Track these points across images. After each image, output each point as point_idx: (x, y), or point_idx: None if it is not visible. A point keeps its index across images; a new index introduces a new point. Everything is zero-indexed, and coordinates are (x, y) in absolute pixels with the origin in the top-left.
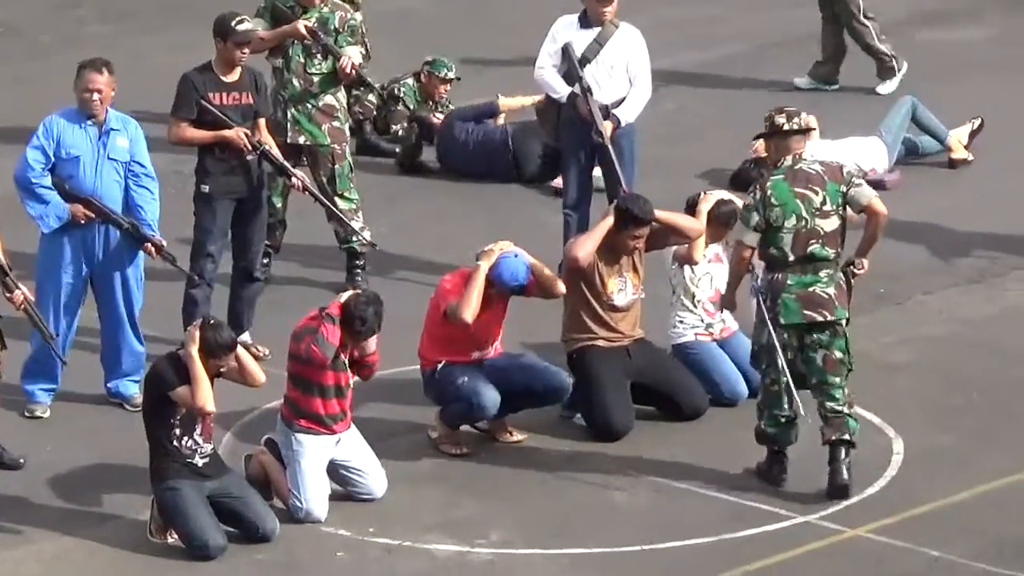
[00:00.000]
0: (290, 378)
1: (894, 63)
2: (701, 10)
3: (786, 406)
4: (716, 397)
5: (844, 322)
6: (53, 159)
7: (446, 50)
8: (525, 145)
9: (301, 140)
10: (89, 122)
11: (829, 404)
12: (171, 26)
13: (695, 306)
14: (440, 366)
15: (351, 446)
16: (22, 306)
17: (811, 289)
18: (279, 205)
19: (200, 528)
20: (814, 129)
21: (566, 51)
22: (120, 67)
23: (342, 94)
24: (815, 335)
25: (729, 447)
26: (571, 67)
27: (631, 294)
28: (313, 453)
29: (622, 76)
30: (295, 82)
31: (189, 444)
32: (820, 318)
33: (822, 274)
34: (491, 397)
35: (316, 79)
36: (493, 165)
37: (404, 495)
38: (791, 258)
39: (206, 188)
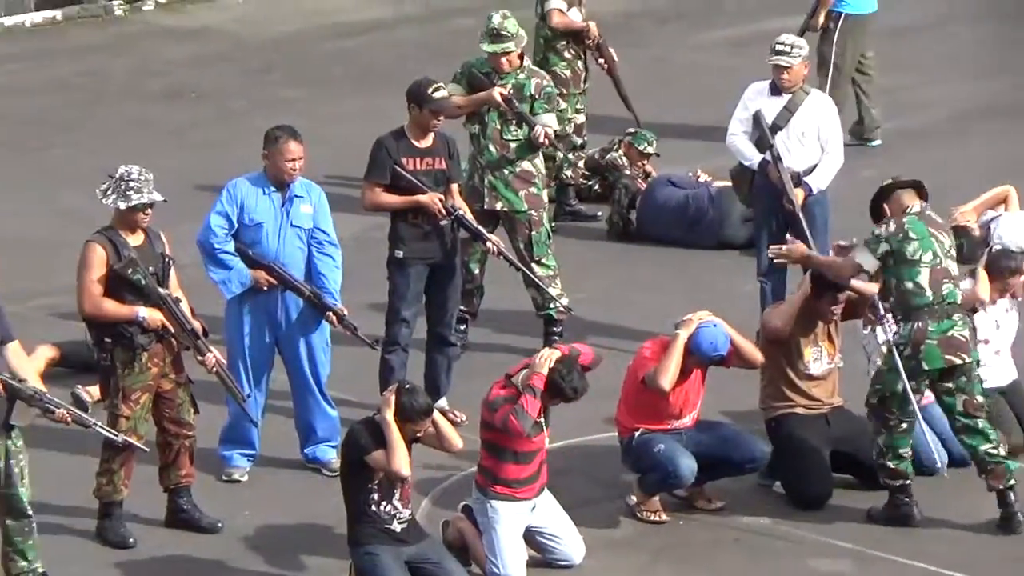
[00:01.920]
0: (484, 446)
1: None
2: (902, 78)
3: (909, 444)
4: (915, 466)
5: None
6: (236, 225)
7: (642, 113)
8: (729, 207)
9: (498, 206)
10: (273, 188)
11: (984, 447)
12: (362, 92)
13: None
14: (638, 434)
15: (547, 512)
16: (214, 369)
17: (949, 334)
18: (476, 271)
19: None
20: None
21: (757, 118)
22: (312, 133)
23: (539, 160)
24: (951, 380)
25: (928, 516)
26: (762, 134)
27: (827, 363)
28: (509, 520)
29: (813, 143)
30: (491, 148)
31: (388, 509)
32: (959, 361)
33: (956, 317)
34: (688, 466)
35: (512, 145)
36: (694, 227)
37: (602, 561)
38: (928, 294)
39: (400, 253)
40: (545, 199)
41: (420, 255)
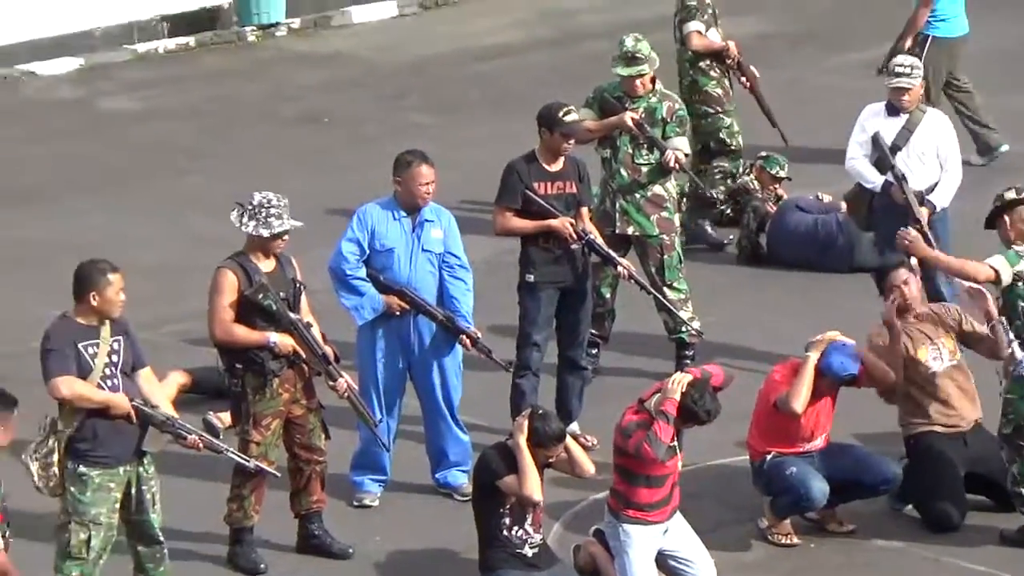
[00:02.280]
0: (617, 471)
1: None
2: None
3: None
4: None
5: None
6: (368, 251)
7: (775, 135)
8: (858, 237)
9: (630, 231)
10: (403, 213)
11: None
12: (494, 117)
13: None
14: (769, 457)
15: (679, 535)
16: (345, 394)
17: None
18: (608, 295)
19: None
20: None
21: (876, 140)
22: (443, 158)
23: (671, 184)
24: None
25: None
26: (882, 155)
27: (948, 360)
28: (641, 543)
29: (933, 162)
30: (623, 173)
31: (519, 534)
32: None
33: None
34: (820, 488)
35: (644, 169)
36: (825, 253)
37: None
38: None
39: (531, 277)
40: (677, 223)
41: (551, 279)
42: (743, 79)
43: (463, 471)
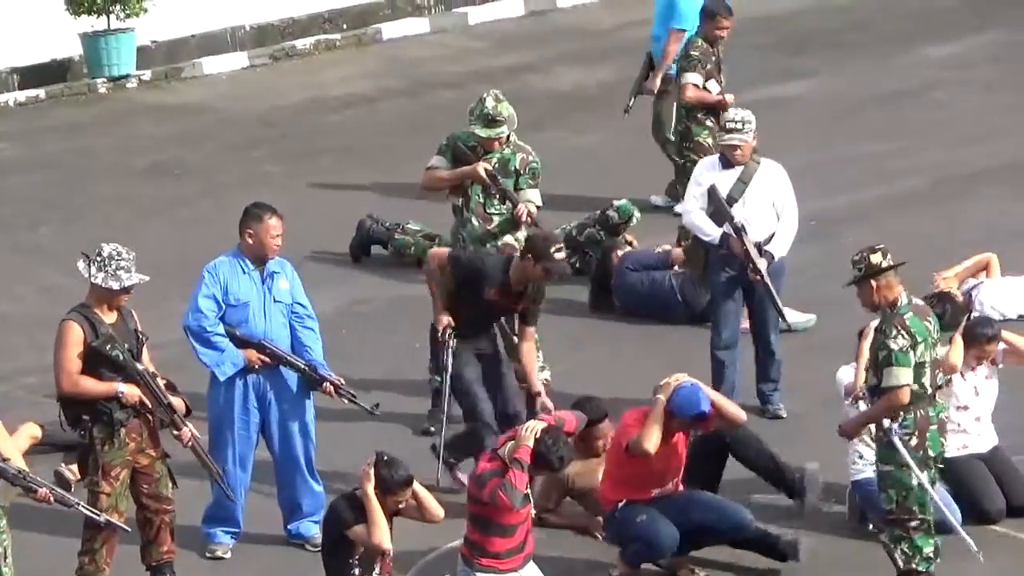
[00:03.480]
0: (470, 519)
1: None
2: (885, 145)
3: (933, 542)
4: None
5: None
6: (223, 306)
7: (622, 187)
8: (693, 295)
9: None
10: (252, 266)
11: None
12: (344, 167)
13: (872, 442)
14: (620, 505)
15: None
16: (189, 443)
17: (941, 416)
18: None
19: None
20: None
21: (712, 192)
22: (295, 208)
23: (522, 234)
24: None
25: None
26: (719, 207)
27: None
28: None
29: (769, 212)
30: (474, 222)
31: None
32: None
33: (941, 400)
34: (669, 535)
35: (495, 219)
36: (665, 311)
37: None
38: (929, 391)
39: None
40: None
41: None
42: None
43: (315, 522)
